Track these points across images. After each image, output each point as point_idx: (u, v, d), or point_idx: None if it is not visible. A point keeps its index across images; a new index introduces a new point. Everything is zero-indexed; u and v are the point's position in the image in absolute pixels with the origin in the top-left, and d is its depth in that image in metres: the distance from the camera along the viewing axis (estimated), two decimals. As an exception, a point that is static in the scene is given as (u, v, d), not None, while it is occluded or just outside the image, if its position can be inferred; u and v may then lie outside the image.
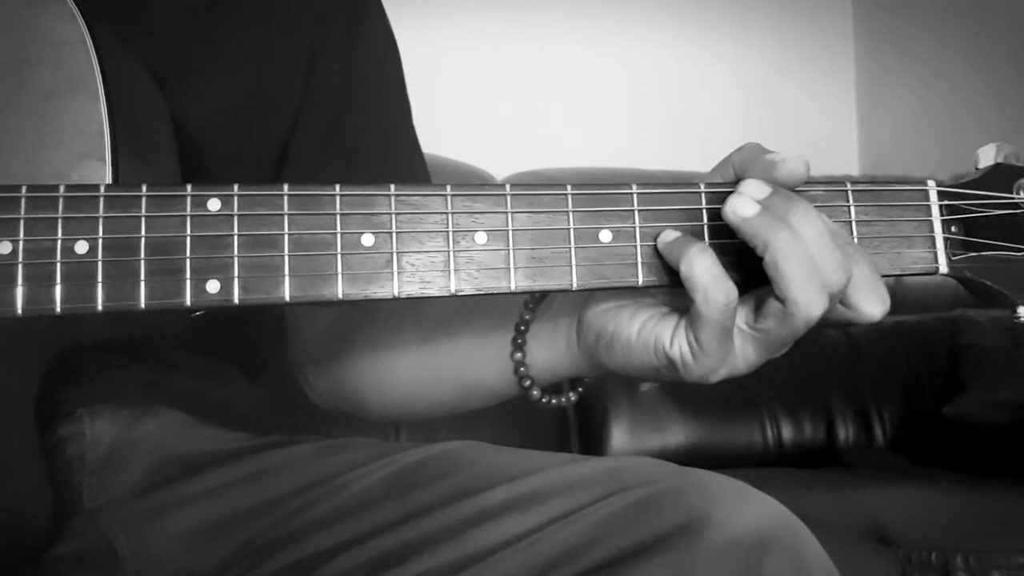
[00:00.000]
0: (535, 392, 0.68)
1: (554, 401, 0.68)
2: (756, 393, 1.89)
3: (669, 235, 0.57)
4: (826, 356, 1.95)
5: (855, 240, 0.59)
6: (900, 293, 1.36)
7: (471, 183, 0.58)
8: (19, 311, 0.52)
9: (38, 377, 0.64)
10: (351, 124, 0.81)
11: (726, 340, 0.57)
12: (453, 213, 0.56)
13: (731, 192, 0.57)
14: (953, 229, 0.59)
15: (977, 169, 0.61)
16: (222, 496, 0.72)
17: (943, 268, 0.59)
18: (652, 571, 0.57)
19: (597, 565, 0.59)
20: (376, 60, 0.84)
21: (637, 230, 0.57)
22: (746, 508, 0.60)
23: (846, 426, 1.90)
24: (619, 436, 1.82)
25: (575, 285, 0.56)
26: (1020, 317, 0.58)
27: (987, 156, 0.61)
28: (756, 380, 2.02)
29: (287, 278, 0.54)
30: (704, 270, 0.55)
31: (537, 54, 2.42)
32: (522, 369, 0.68)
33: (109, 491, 0.73)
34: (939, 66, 2.45)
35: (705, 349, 0.58)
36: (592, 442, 1.83)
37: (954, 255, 0.59)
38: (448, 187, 0.55)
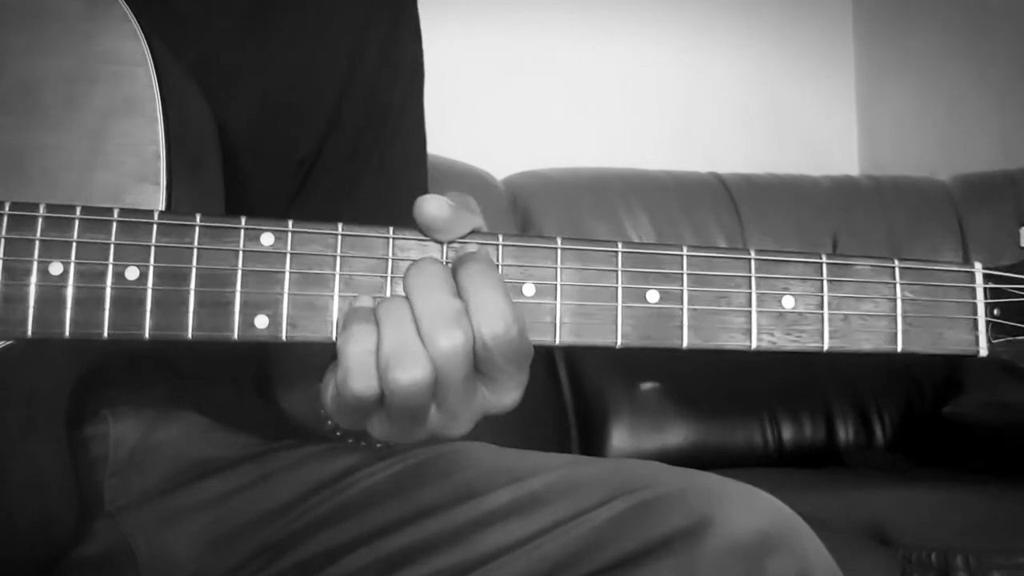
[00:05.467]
0: (330, 423, 0.66)
1: (350, 440, 0.69)
2: (756, 393, 1.89)
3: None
4: (826, 356, 1.95)
5: (897, 317, 0.57)
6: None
7: (523, 235, 0.58)
8: (67, 333, 0.52)
9: (72, 381, 0.64)
10: (370, 158, 0.80)
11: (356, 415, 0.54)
12: (503, 265, 0.55)
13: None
14: (996, 312, 0.59)
15: (1021, 248, 0.61)
16: (235, 499, 0.73)
17: (983, 351, 0.58)
18: (656, 574, 0.58)
19: (600, 569, 0.59)
20: (403, 87, 0.82)
21: (685, 292, 0.56)
22: (749, 509, 0.60)
23: (846, 426, 1.90)
24: (619, 436, 1.82)
25: (619, 344, 0.55)
26: None
27: None
28: (756, 380, 2.01)
29: (335, 318, 0.53)
30: (351, 354, 0.51)
31: (538, 54, 2.42)
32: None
33: (129, 493, 0.73)
34: (939, 66, 2.45)
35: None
36: (592, 442, 1.83)
37: (994, 339, 0.59)
38: (500, 236, 0.55)
